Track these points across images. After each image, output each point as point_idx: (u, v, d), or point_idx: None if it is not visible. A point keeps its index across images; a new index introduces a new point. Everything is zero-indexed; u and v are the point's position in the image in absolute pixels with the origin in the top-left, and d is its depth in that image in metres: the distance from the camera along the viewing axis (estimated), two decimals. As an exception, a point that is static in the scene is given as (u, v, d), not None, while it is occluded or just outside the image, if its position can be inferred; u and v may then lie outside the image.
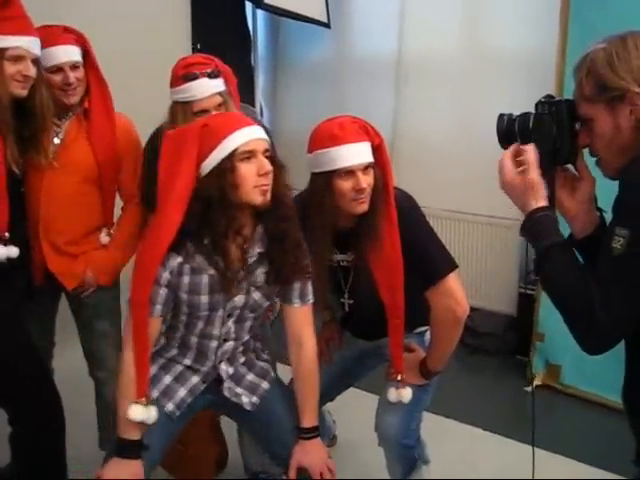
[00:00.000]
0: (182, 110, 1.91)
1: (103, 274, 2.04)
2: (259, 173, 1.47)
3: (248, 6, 3.87)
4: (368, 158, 1.64)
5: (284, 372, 1.86)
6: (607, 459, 2.37)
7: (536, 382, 2.99)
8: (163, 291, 1.53)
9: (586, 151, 1.24)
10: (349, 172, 1.61)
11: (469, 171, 3.47)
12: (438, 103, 3.66)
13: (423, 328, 1.91)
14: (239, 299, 1.59)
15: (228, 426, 2.09)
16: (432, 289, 1.71)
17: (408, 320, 1.73)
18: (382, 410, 1.88)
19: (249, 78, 3.89)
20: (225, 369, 1.69)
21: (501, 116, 1.29)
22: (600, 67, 1.13)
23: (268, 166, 1.48)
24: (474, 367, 3.29)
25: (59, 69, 1.87)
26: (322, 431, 1.70)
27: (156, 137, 1.95)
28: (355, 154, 1.62)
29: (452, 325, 1.74)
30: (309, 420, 1.64)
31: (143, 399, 1.52)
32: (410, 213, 1.73)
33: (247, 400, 1.70)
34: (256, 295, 1.61)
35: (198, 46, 3.54)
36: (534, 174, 1.20)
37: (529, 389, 2.96)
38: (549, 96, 1.25)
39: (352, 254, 1.75)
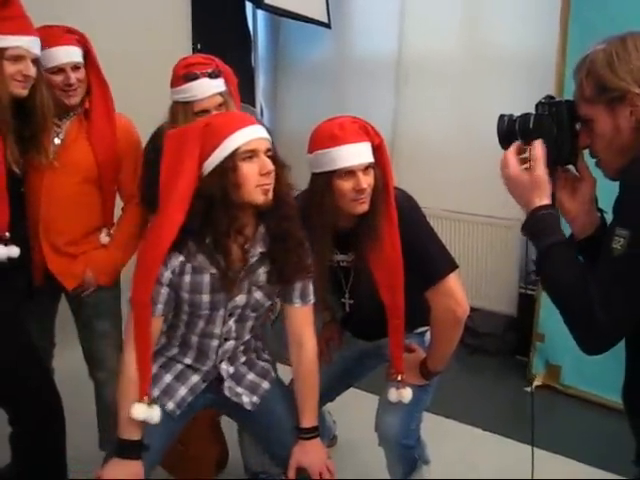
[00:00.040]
0: (183, 110, 1.92)
1: (103, 274, 2.04)
2: (261, 172, 1.47)
3: (248, 6, 3.87)
4: (368, 158, 1.64)
5: (284, 372, 1.86)
6: (607, 459, 2.37)
7: (536, 382, 2.99)
8: (164, 290, 1.53)
9: (586, 152, 1.24)
10: (349, 172, 1.61)
11: (469, 171, 3.47)
12: (438, 103, 3.66)
13: (423, 328, 1.91)
14: (240, 298, 1.59)
15: (228, 426, 2.09)
16: (432, 289, 1.71)
17: (408, 320, 1.73)
18: (382, 410, 1.88)
19: (249, 78, 3.89)
20: (226, 368, 1.69)
21: (501, 117, 1.29)
22: (600, 68, 1.13)
23: (270, 165, 1.48)
24: (474, 367, 3.29)
25: (60, 70, 1.87)
26: (322, 431, 1.70)
27: (157, 137, 1.96)
28: (355, 154, 1.62)
29: (452, 325, 1.74)
30: (309, 420, 1.64)
31: (146, 398, 1.52)
32: (410, 213, 1.73)
33: (247, 400, 1.70)
34: (258, 294, 1.61)
35: (198, 46, 3.54)
36: (540, 170, 1.19)
37: (529, 389, 2.96)
38: (549, 97, 1.25)
39: (352, 254, 1.75)
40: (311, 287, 1.67)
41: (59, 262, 1.98)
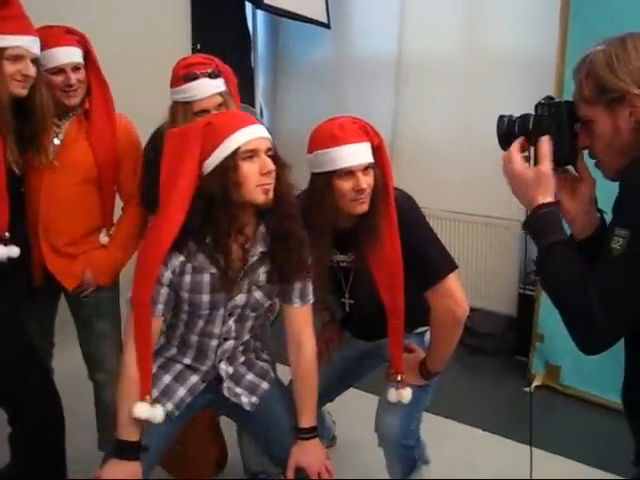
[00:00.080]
0: (182, 110, 1.92)
1: (102, 274, 2.04)
2: (261, 172, 1.47)
3: (248, 6, 3.87)
4: (368, 158, 1.64)
5: (284, 372, 1.86)
6: (606, 459, 2.37)
7: (536, 383, 2.99)
8: (165, 290, 1.53)
9: (586, 152, 1.24)
10: (349, 172, 1.61)
11: (469, 171, 3.48)
12: (438, 103, 3.66)
13: (423, 328, 1.91)
14: (240, 298, 1.59)
15: (228, 426, 2.09)
16: (432, 290, 1.71)
17: (408, 320, 1.73)
18: (382, 410, 1.88)
19: (249, 78, 3.89)
20: (225, 368, 1.69)
21: (501, 117, 1.29)
22: (599, 69, 1.13)
23: (270, 165, 1.48)
24: (474, 368, 3.29)
25: (60, 70, 1.87)
26: (322, 432, 1.71)
27: (157, 137, 1.96)
28: (355, 154, 1.62)
29: (452, 326, 1.74)
30: (307, 420, 1.64)
31: (148, 397, 1.52)
32: (410, 214, 1.73)
33: (246, 400, 1.70)
34: (257, 294, 1.61)
35: (198, 46, 3.54)
36: (546, 167, 1.19)
37: (529, 390, 2.96)
38: (549, 97, 1.25)
39: (352, 255, 1.75)
40: (310, 287, 1.67)
41: (58, 262, 1.98)
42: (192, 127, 1.52)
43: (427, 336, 1.89)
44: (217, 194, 1.45)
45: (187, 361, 1.68)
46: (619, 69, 1.11)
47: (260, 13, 3.91)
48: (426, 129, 3.73)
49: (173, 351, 1.69)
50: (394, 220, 1.67)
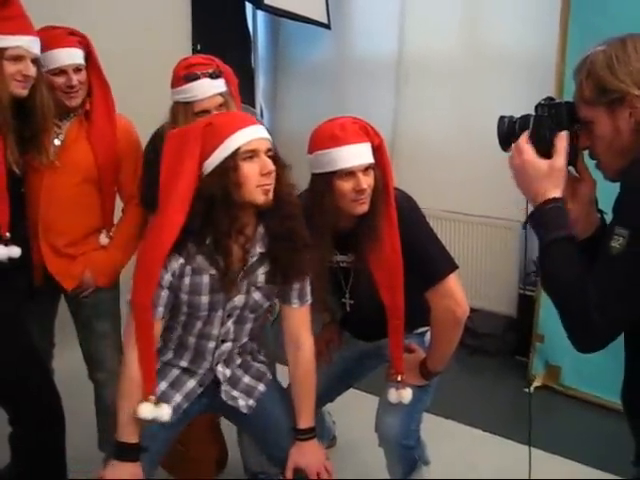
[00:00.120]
0: (183, 110, 1.92)
1: (102, 275, 2.04)
2: (262, 173, 1.47)
3: (248, 7, 3.86)
4: (368, 159, 1.64)
5: (283, 373, 1.86)
6: (606, 460, 2.37)
7: (536, 383, 2.99)
8: (165, 293, 1.53)
9: (586, 153, 1.24)
10: (349, 173, 1.62)
11: (469, 171, 3.48)
12: (438, 103, 3.66)
13: (423, 329, 1.91)
14: (239, 299, 1.59)
15: (228, 427, 2.09)
16: (432, 290, 1.72)
17: (408, 321, 1.74)
18: (382, 411, 1.88)
19: (249, 79, 3.89)
20: (222, 371, 1.68)
21: (502, 118, 1.28)
22: (600, 70, 1.13)
23: (270, 166, 1.48)
24: (474, 368, 3.29)
25: (62, 71, 1.87)
26: (322, 432, 1.70)
27: (157, 138, 1.96)
28: (356, 155, 1.62)
29: (452, 326, 1.75)
30: (306, 421, 1.64)
31: (152, 397, 1.52)
32: (410, 214, 1.73)
33: (244, 403, 1.69)
34: (256, 295, 1.61)
35: (198, 47, 3.54)
36: (561, 161, 1.17)
37: (529, 390, 2.96)
38: (549, 98, 1.25)
39: (352, 255, 1.76)
40: (309, 287, 1.67)
41: (58, 263, 1.98)
42: (192, 127, 1.52)
43: (427, 336, 1.89)
44: (217, 195, 1.44)
45: (184, 364, 1.68)
46: (619, 70, 1.11)
47: (260, 13, 3.91)
48: (426, 129, 3.73)
49: (169, 355, 1.68)
50: (394, 220, 1.67)
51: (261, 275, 1.60)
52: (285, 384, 1.81)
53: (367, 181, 1.63)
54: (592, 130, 1.17)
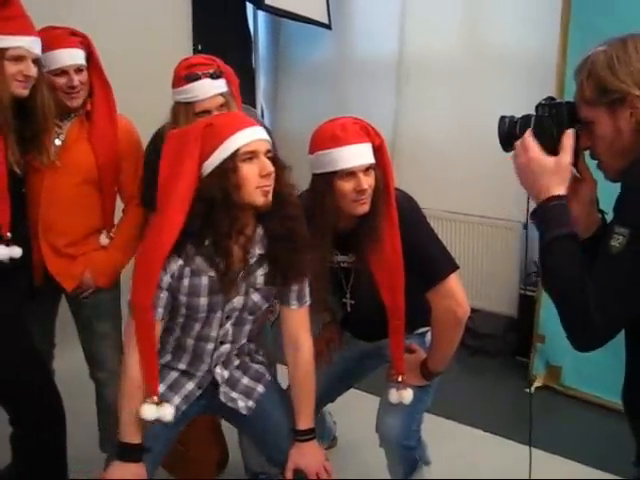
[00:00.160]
0: (184, 111, 1.91)
1: (102, 275, 2.04)
2: (261, 174, 1.47)
3: (249, 7, 3.87)
4: (369, 159, 1.64)
5: (283, 373, 1.86)
6: (607, 460, 2.37)
7: (536, 383, 2.99)
8: (164, 294, 1.52)
9: (587, 153, 1.24)
10: (350, 173, 1.62)
11: (470, 171, 3.48)
12: (439, 103, 3.66)
13: (424, 329, 1.91)
14: (238, 300, 1.59)
15: (229, 427, 2.09)
16: (433, 290, 1.72)
17: (409, 321, 1.74)
18: (383, 411, 1.88)
19: (250, 79, 3.89)
20: (220, 373, 1.68)
21: (502, 119, 1.28)
22: (600, 70, 1.13)
23: (270, 167, 1.48)
24: (475, 368, 3.28)
25: (63, 72, 1.87)
26: (322, 432, 1.70)
27: (158, 138, 1.96)
28: (356, 155, 1.62)
29: (453, 326, 1.75)
30: (305, 422, 1.64)
31: (155, 398, 1.52)
32: (411, 214, 1.73)
33: (243, 405, 1.69)
34: (255, 297, 1.61)
35: (199, 47, 3.54)
36: (567, 159, 1.17)
37: (529, 390, 2.96)
38: (550, 98, 1.25)
39: (353, 255, 1.75)
40: (307, 288, 1.67)
41: (58, 263, 1.98)
42: (192, 128, 1.52)
43: (428, 337, 1.89)
44: (217, 196, 1.44)
45: (182, 366, 1.67)
46: (620, 70, 1.11)
47: (261, 14, 3.91)
48: (427, 129, 3.73)
49: (167, 357, 1.68)
50: (395, 221, 1.67)
51: (260, 277, 1.59)
52: (286, 385, 1.81)
53: (368, 181, 1.63)
54: (593, 130, 1.17)
